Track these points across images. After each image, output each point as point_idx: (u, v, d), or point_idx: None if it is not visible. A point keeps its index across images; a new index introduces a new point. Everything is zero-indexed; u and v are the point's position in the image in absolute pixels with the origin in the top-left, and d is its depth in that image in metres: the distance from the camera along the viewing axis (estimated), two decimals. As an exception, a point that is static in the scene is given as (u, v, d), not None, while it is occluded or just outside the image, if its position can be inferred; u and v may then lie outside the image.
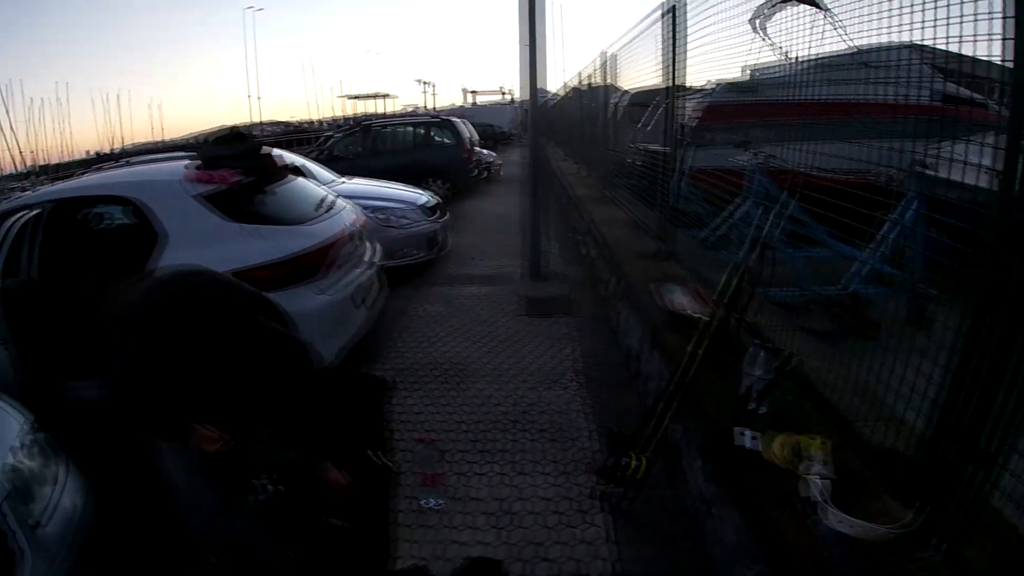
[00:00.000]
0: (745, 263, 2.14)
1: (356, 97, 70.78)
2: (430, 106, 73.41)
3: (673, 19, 3.54)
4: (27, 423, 2.22)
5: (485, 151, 14.76)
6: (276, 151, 4.00)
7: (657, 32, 3.95)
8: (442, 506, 2.40)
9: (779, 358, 1.92)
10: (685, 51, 3.51)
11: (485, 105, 50.38)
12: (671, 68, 3.62)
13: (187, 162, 3.56)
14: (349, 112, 67.34)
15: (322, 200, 3.95)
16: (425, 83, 75.71)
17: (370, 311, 3.80)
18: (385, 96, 71.99)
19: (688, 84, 3.69)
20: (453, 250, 6.69)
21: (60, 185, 4.70)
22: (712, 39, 3.02)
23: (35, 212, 3.50)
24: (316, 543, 2.02)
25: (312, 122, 65.69)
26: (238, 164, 3.50)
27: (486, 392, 3.28)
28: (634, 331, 3.39)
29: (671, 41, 3.61)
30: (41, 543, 1.82)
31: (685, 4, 3.44)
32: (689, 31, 3.42)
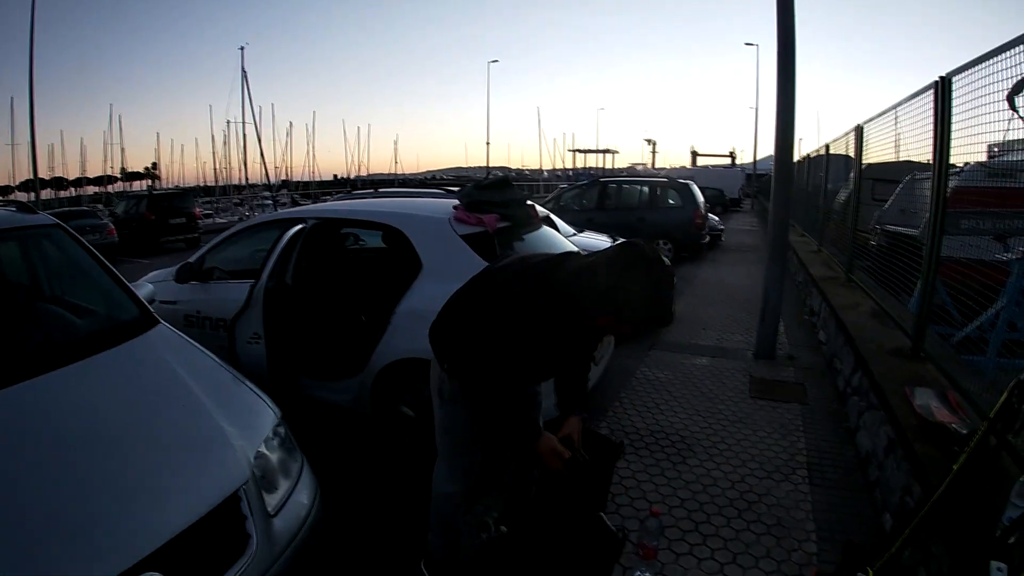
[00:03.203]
0: (1021, 378, 2.01)
1: (581, 151, 74.31)
2: (654, 164, 74.50)
3: (944, 92, 3.35)
4: (277, 416, 2.30)
5: (714, 216, 14.66)
6: (528, 201, 4.25)
7: (924, 105, 3.72)
8: (650, 580, 2.45)
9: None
10: (951, 127, 3.30)
11: (712, 167, 49.55)
12: (936, 146, 3.40)
13: (456, 202, 3.82)
14: (570, 165, 70.89)
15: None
16: (651, 141, 76.97)
17: (600, 367, 3.97)
18: (608, 151, 74.62)
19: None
20: (677, 316, 6.76)
21: (325, 205, 5.34)
22: (977, 113, 2.84)
23: (301, 226, 3.85)
24: None
25: (536, 170, 69.81)
26: (500, 210, 3.74)
27: (711, 473, 3.31)
28: (875, 433, 3.22)
29: (940, 115, 3.40)
30: (270, 533, 1.87)
31: (952, 81, 3.27)
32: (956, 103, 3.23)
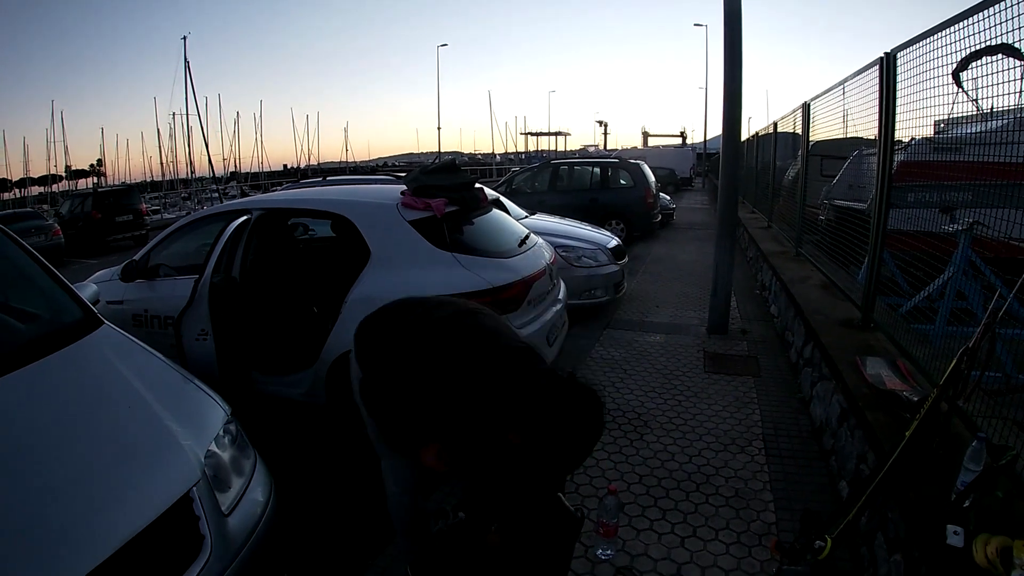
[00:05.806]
0: (969, 346, 2.02)
1: (534, 134, 74.49)
2: (606, 146, 75.08)
3: (888, 68, 3.37)
4: (227, 414, 2.27)
5: (666, 196, 14.83)
6: (477, 184, 4.20)
7: (869, 81, 3.74)
8: (612, 557, 2.44)
9: (993, 451, 1.80)
10: (896, 102, 3.33)
11: (664, 147, 50.13)
12: (882, 121, 3.44)
13: (402, 188, 3.75)
14: (523, 148, 71.04)
15: (523, 235, 4.14)
16: (602, 123, 77.60)
17: (555, 348, 3.94)
18: (560, 134, 74.97)
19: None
20: (630, 294, 6.81)
21: (270, 195, 5.23)
22: (924, 89, 2.86)
23: (246, 217, 3.77)
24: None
25: (489, 154, 69.71)
26: (448, 194, 3.68)
27: (668, 448, 3.30)
28: (828, 403, 3.26)
29: (885, 91, 3.42)
30: (225, 533, 1.85)
31: (896, 57, 3.30)
32: (901, 79, 3.26)
